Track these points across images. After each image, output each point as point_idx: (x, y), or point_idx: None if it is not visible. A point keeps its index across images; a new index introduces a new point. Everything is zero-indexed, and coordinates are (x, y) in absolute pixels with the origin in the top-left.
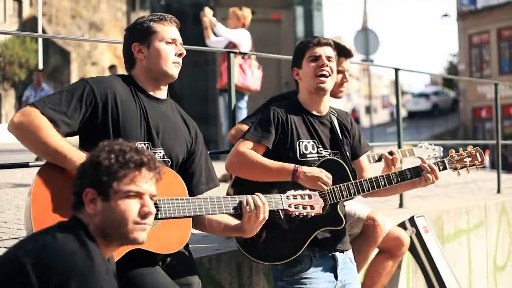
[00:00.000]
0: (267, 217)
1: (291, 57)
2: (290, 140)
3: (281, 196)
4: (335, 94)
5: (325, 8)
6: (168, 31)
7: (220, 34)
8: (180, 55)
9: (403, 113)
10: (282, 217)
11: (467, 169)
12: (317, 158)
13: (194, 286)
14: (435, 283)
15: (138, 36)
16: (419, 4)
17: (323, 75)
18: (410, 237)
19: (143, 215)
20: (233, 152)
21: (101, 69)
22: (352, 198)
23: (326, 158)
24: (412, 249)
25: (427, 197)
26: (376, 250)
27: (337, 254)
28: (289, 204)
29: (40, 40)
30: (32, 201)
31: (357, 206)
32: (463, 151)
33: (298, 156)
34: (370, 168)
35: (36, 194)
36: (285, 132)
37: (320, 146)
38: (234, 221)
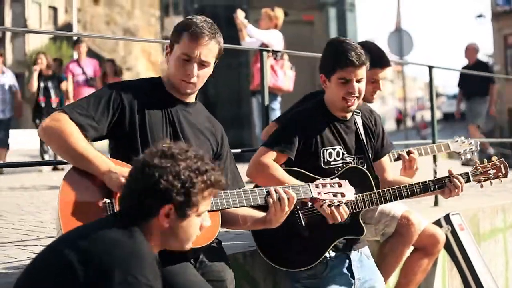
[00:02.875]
0: (291, 208)
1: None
2: (314, 148)
3: (309, 184)
4: (366, 100)
5: (358, 9)
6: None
7: (252, 35)
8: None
9: (438, 115)
10: (304, 224)
11: (490, 181)
12: (341, 165)
13: (227, 282)
14: (471, 281)
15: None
16: (453, 5)
17: (349, 100)
18: (446, 234)
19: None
20: (256, 161)
21: (135, 75)
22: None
23: (349, 166)
24: (448, 247)
25: (463, 195)
26: (410, 248)
27: (352, 253)
28: (319, 193)
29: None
30: (60, 203)
31: (392, 205)
32: (488, 162)
33: (322, 164)
34: (391, 168)
35: (63, 196)
36: (309, 140)
37: (345, 152)
38: (259, 214)
